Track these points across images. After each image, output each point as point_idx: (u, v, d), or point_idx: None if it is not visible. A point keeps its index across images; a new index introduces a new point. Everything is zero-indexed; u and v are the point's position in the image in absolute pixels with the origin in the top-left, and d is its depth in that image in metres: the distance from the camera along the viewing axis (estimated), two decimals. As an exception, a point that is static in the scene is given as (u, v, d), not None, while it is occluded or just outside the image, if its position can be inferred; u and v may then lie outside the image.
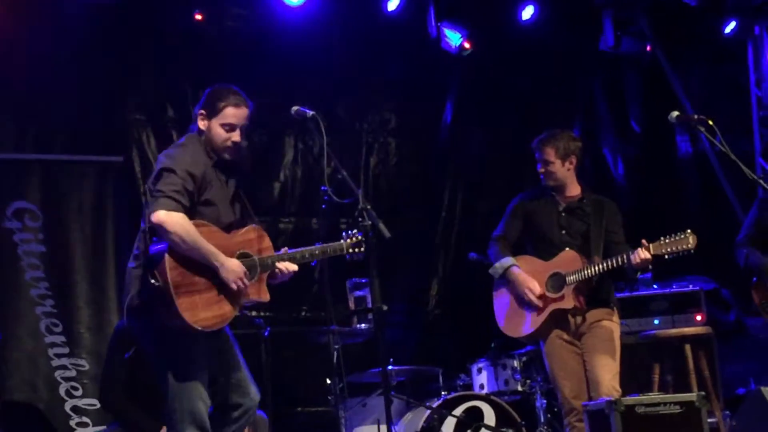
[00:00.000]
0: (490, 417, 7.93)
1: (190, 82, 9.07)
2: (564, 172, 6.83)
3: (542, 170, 6.84)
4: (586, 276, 6.56)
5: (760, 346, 9.09)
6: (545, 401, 8.16)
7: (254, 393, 5.68)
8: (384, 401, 5.42)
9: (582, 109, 10.66)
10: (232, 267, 5.35)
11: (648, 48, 10.35)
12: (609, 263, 6.51)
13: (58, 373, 8.02)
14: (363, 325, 8.21)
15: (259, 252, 5.56)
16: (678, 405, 6.10)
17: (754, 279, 7.56)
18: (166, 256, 5.25)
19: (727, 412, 8.05)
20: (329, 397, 7.63)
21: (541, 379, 8.14)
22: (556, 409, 8.24)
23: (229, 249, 5.42)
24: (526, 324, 6.76)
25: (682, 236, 6.32)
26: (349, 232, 5.76)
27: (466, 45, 9.79)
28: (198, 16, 9.00)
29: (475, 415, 7.93)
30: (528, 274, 6.76)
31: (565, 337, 6.69)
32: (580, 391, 6.64)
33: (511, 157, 10.12)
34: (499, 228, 7.04)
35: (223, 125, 5.51)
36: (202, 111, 5.58)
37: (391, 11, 9.57)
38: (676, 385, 8.00)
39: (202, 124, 5.58)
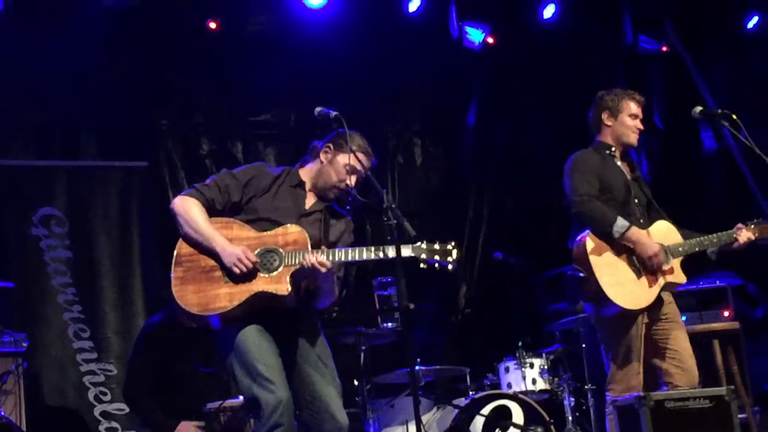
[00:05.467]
0: (518, 416, 7.90)
1: (213, 88, 9.12)
2: None
3: (640, 128, 6.45)
4: (694, 249, 6.26)
5: (788, 342, 9.05)
6: (573, 399, 8.14)
7: (335, 421, 5.42)
8: (412, 401, 5.42)
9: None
10: (231, 250, 5.28)
11: (664, 49, 10.33)
12: (717, 238, 6.24)
13: (86, 378, 8.08)
14: (389, 324, 8.16)
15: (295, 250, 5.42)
16: (708, 399, 6.05)
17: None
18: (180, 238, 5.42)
19: (757, 408, 8.00)
20: (356, 398, 7.62)
21: (569, 377, 8.13)
22: (584, 407, 8.24)
23: (253, 245, 5.37)
24: (649, 294, 6.19)
25: None
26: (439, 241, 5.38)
27: (490, 40, 9.81)
28: (212, 24, 9.02)
29: (503, 413, 7.90)
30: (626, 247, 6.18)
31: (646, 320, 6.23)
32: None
33: (536, 156, 10.10)
34: (574, 189, 6.24)
35: (345, 165, 5.52)
36: (329, 144, 5.61)
37: (413, 12, 9.60)
38: (704, 381, 7.91)
39: (324, 157, 5.61)
